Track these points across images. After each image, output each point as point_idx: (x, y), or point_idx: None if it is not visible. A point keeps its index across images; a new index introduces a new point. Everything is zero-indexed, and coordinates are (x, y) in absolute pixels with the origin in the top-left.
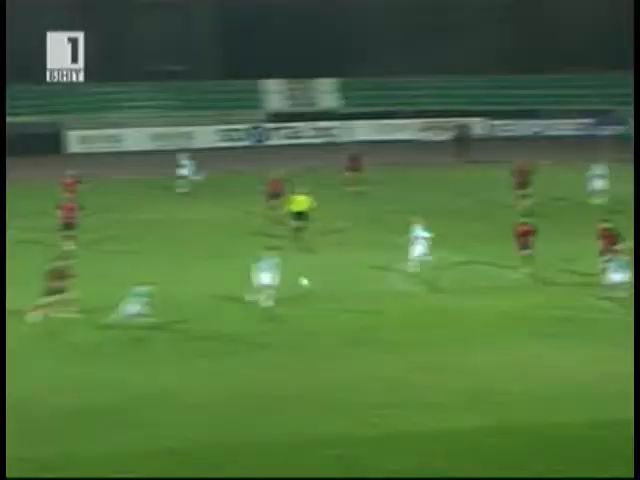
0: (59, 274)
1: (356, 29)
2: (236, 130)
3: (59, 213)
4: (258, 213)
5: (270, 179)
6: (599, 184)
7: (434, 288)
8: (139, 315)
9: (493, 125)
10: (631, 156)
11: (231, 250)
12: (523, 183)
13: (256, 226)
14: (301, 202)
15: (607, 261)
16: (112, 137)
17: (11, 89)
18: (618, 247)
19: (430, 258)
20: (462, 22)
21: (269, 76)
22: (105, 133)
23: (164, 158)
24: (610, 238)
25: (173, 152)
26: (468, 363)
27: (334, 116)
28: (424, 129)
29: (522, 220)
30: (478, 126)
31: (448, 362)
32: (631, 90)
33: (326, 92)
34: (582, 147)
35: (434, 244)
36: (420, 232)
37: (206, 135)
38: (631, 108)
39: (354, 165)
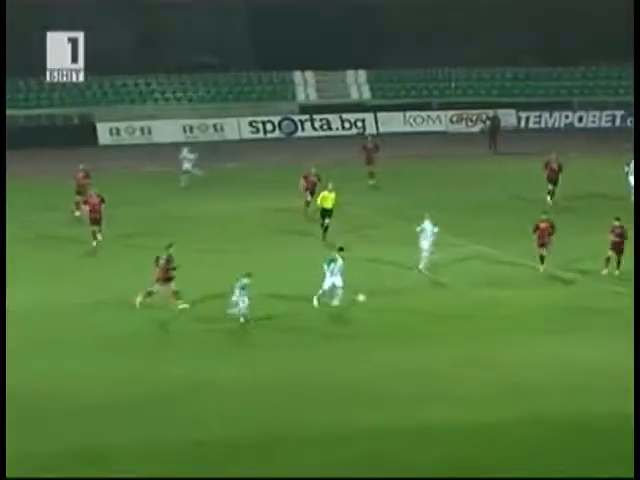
0: (167, 264)
1: (387, 20)
2: (267, 122)
3: (84, 208)
4: (294, 208)
5: (306, 173)
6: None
7: (456, 282)
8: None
9: (523, 117)
10: None
11: (270, 245)
12: (553, 179)
13: (287, 221)
14: (328, 199)
15: None
16: (143, 129)
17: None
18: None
19: (435, 254)
20: (493, 14)
21: (300, 68)
22: (136, 125)
23: (196, 150)
24: (620, 235)
25: (205, 144)
26: (499, 356)
27: (364, 108)
28: (455, 121)
29: (543, 217)
30: (508, 118)
31: (480, 355)
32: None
33: (356, 84)
34: (613, 139)
35: (457, 237)
36: (428, 226)
37: (237, 127)
38: None
39: (369, 157)
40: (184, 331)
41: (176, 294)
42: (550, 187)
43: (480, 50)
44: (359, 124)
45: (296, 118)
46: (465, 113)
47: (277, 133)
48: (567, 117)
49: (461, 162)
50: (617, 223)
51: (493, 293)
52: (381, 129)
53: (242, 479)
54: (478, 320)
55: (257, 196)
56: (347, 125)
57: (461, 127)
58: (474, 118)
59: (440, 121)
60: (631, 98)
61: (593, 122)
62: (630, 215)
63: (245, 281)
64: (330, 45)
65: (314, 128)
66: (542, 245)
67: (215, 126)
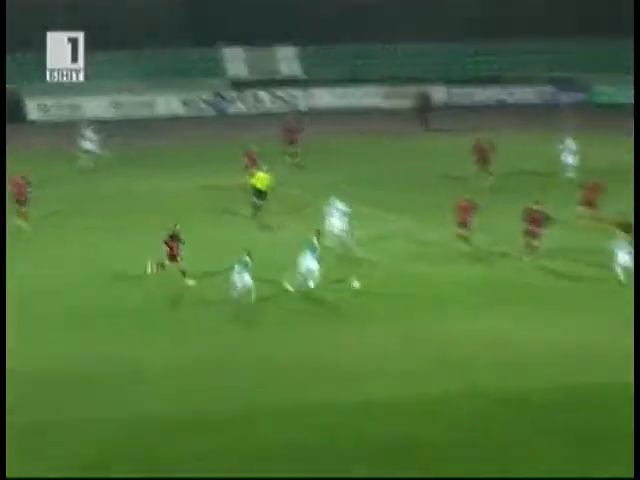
0: (175, 239)
1: None
2: (198, 98)
3: (10, 188)
4: (229, 186)
5: (246, 151)
6: (570, 159)
7: (385, 259)
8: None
9: (454, 93)
10: (595, 123)
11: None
12: (483, 160)
13: (225, 199)
14: (263, 179)
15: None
16: (72, 106)
17: None
18: (542, 230)
19: (344, 233)
20: None
21: (230, 44)
22: (64, 102)
23: (123, 126)
24: (537, 220)
25: (135, 121)
26: (435, 332)
27: (296, 83)
28: (387, 97)
29: (465, 197)
30: (439, 94)
31: (416, 332)
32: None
33: (288, 59)
34: (544, 115)
35: (387, 213)
36: (339, 205)
37: (167, 104)
38: (593, 75)
39: (292, 138)
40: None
41: (183, 272)
42: (479, 167)
43: (411, 26)
44: (291, 100)
45: (227, 94)
46: (397, 89)
47: (208, 109)
48: (498, 93)
49: (392, 138)
50: (535, 207)
51: (423, 269)
52: (313, 105)
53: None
54: (410, 297)
55: (191, 173)
56: (278, 101)
57: (393, 103)
58: (405, 94)
59: (372, 97)
60: (563, 73)
61: (524, 98)
62: (561, 193)
63: (246, 259)
64: (260, 21)
65: (245, 104)
66: (463, 224)
67: (145, 103)
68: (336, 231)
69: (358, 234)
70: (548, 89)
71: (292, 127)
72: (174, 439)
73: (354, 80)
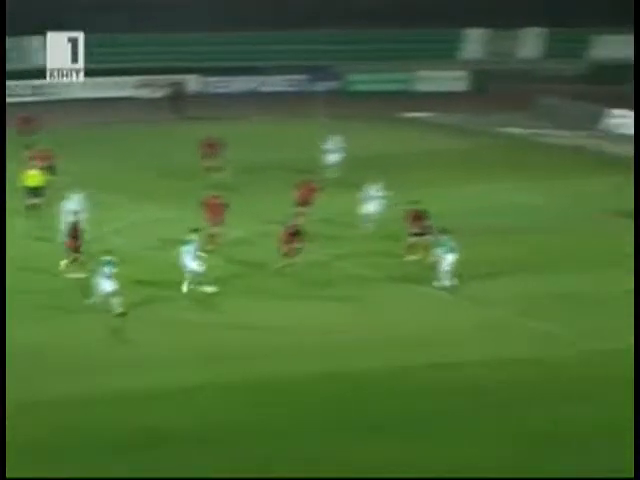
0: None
1: None
2: None
3: None
4: None
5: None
6: (334, 157)
7: (134, 247)
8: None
9: (208, 82)
10: (348, 111)
11: None
12: (213, 155)
13: None
14: (35, 177)
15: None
16: None
17: None
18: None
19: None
20: None
21: None
22: None
23: None
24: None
25: None
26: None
27: (44, 73)
28: (140, 86)
29: (213, 193)
30: (193, 83)
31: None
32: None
33: (41, 49)
34: (298, 103)
35: (140, 203)
36: (73, 201)
37: None
38: (347, 63)
39: (26, 128)
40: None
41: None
42: (208, 164)
43: (167, 15)
44: (47, 90)
45: None
46: (150, 79)
47: None
48: (252, 82)
49: (146, 127)
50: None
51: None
52: (62, 95)
53: None
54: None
55: None
56: (33, 92)
57: (146, 93)
58: (159, 84)
59: (124, 87)
60: (316, 63)
61: (278, 86)
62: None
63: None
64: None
65: None
66: (214, 223)
67: None
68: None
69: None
70: (302, 78)
71: (26, 118)
72: None
73: (107, 70)
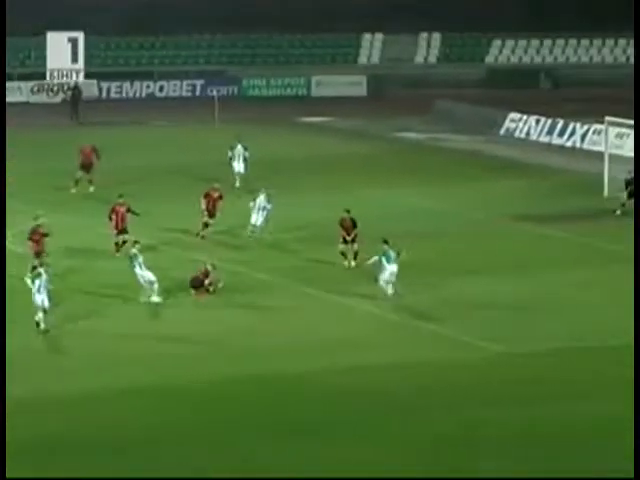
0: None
1: None
2: None
3: None
4: None
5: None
6: (239, 166)
7: None
8: None
9: (104, 87)
10: (245, 115)
11: None
12: (87, 166)
13: None
14: None
15: None
16: None
17: None
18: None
19: None
20: None
21: None
22: None
23: None
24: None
25: None
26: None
27: None
28: (36, 91)
29: (119, 200)
30: (90, 88)
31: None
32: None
33: None
34: (195, 108)
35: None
36: None
37: None
38: (243, 68)
39: None
40: None
41: None
42: (80, 174)
43: (53, 20)
44: None
45: None
46: (46, 83)
47: None
48: (148, 87)
49: (42, 132)
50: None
51: (83, 263)
52: None
53: None
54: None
55: None
56: None
57: (42, 98)
58: (55, 89)
59: (21, 92)
60: (212, 67)
61: (174, 91)
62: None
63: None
64: None
65: None
66: (121, 230)
67: None
68: None
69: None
70: (198, 82)
71: None
72: None
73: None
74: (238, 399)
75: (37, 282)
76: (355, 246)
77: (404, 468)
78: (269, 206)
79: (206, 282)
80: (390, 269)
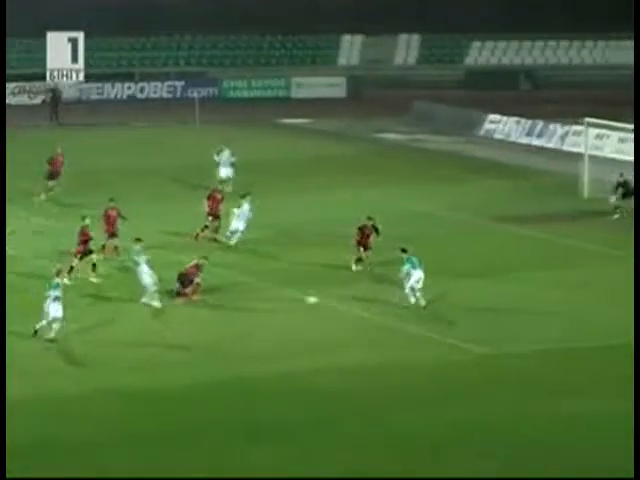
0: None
1: None
2: None
3: None
4: None
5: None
6: (227, 172)
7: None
8: None
9: (85, 88)
10: (225, 117)
11: None
12: (55, 175)
13: None
14: None
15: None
16: None
17: None
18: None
19: None
20: None
21: None
22: None
23: None
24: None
25: None
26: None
27: None
28: (16, 93)
29: (110, 204)
30: (70, 89)
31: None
32: None
33: None
34: (176, 109)
35: None
36: None
37: None
38: (223, 69)
39: None
40: None
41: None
42: (51, 184)
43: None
44: None
45: None
46: (26, 85)
47: None
48: (129, 88)
49: (22, 133)
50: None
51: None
52: None
53: None
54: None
55: None
56: None
57: (23, 99)
58: (35, 90)
59: None
60: (192, 69)
61: (155, 93)
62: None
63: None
64: None
65: None
66: (112, 234)
67: None
68: None
69: None
70: (178, 84)
71: None
72: None
73: None
74: (220, 401)
75: (53, 292)
76: (368, 253)
77: (384, 469)
78: (251, 214)
79: (196, 280)
80: (417, 275)
